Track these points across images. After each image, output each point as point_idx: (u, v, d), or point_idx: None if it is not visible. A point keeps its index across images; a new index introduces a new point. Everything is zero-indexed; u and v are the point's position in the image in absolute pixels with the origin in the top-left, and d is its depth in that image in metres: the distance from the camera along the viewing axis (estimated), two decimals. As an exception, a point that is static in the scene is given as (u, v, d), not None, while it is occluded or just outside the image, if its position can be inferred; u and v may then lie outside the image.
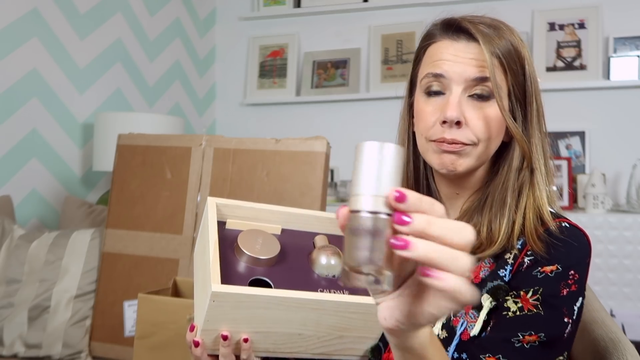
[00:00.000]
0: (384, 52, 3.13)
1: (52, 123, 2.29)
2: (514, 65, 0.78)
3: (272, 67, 3.32)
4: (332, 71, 3.22)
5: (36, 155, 2.22)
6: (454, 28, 0.79)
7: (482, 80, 0.76)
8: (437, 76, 0.78)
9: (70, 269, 1.77)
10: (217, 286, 0.72)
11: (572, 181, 2.70)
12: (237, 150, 1.72)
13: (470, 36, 0.78)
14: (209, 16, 3.40)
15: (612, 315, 2.34)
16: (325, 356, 0.82)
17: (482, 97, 0.77)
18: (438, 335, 0.77)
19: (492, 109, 0.77)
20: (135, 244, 1.78)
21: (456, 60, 0.77)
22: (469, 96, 0.77)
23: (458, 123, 0.76)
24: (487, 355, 0.72)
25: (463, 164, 0.78)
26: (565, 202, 2.65)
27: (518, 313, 0.73)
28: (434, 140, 0.79)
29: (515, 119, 0.79)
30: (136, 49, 2.78)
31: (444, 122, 0.77)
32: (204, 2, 3.35)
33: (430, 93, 0.80)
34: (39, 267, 1.76)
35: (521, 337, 0.72)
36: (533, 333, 0.72)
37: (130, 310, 1.71)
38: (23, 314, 1.70)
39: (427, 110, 0.80)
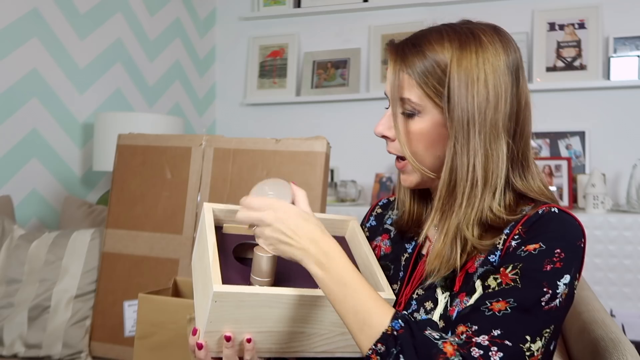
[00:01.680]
0: (384, 52, 3.13)
1: (52, 123, 2.29)
2: (433, 81, 0.78)
3: (272, 67, 3.32)
4: (332, 71, 3.22)
5: (36, 155, 2.22)
6: (387, 49, 0.86)
7: (402, 99, 0.81)
8: (385, 95, 0.86)
9: (70, 269, 1.77)
10: (219, 286, 0.72)
11: (572, 181, 2.70)
12: (237, 150, 1.72)
13: None
14: (209, 16, 3.40)
15: (612, 315, 2.34)
16: (329, 354, 0.82)
17: (405, 115, 0.82)
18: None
19: (416, 125, 0.81)
20: (135, 244, 1.78)
21: (389, 80, 0.83)
22: (401, 113, 0.82)
23: (386, 137, 0.85)
24: (459, 325, 0.72)
25: (413, 181, 0.86)
26: (566, 202, 2.65)
27: (497, 288, 0.73)
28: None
29: (450, 134, 0.79)
30: (136, 49, 2.78)
31: None
32: (204, 2, 3.35)
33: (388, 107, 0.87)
34: (39, 267, 1.76)
35: (489, 304, 0.71)
36: (501, 299, 0.71)
37: (130, 310, 1.71)
38: (23, 314, 1.70)
39: None
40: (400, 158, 0.85)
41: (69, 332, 1.72)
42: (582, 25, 2.82)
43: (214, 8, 3.45)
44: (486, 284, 0.75)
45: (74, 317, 1.73)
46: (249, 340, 0.76)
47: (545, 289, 0.71)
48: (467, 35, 0.79)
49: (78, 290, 1.76)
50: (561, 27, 2.86)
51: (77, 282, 1.77)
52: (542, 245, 0.74)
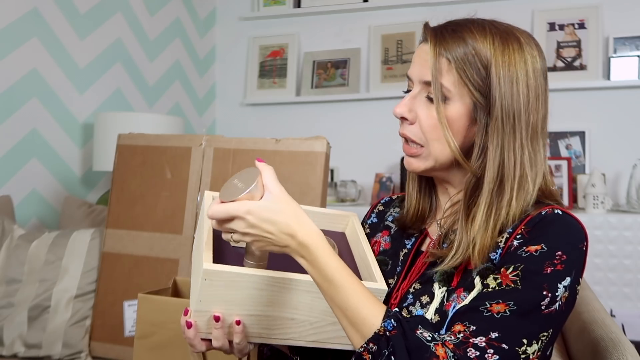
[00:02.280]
0: (384, 52, 3.13)
1: (52, 123, 2.29)
2: (471, 70, 0.77)
3: (272, 67, 3.32)
4: (332, 71, 3.22)
5: (36, 155, 2.22)
6: (424, 30, 0.83)
7: (433, 83, 0.79)
8: (408, 78, 0.84)
9: (70, 269, 1.77)
10: (209, 265, 0.73)
11: (572, 181, 2.70)
12: (237, 150, 1.72)
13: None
14: (209, 16, 3.40)
15: (612, 315, 2.34)
16: (319, 344, 0.82)
17: (430, 99, 0.80)
18: (431, 319, 0.78)
19: (446, 110, 0.79)
20: (135, 244, 1.78)
21: (417, 61, 0.82)
22: (426, 96, 0.81)
23: (405, 119, 0.83)
24: (456, 323, 0.72)
25: (421, 165, 0.84)
26: (566, 202, 2.65)
27: (497, 288, 0.73)
28: (400, 134, 0.86)
29: (480, 125, 0.79)
30: (136, 49, 2.78)
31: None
32: (204, 2, 3.35)
33: (406, 91, 0.86)
34: (39, 267, 1.76)
35: (488, 305, 0.71)
36: (501, 301, 0.71)
37: (130, 310, 1.71)
38: (23, 314, 1.70)
39: None
40: (412, 142, 0.83)
41: (68, 332, 1.72)
42: (582, 25, 2.82)
43: (214, 8, 3.45)
44: (485, 282, 0.75)
45: (74, 317, 1.74)
46: (238, 323, 0.76)
47: (545, 292, 0.71)
48: (508, 33, 0.80)
49: (78, 290, 1.76)
50: (561, 27, 2.86)
51: (77, 282, 1.76)
52: (543, 247, 0.74)
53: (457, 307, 0.76)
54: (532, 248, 0.74)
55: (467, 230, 0.78)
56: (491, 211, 0.78)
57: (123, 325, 1.72)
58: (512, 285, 0.72)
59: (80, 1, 2.42)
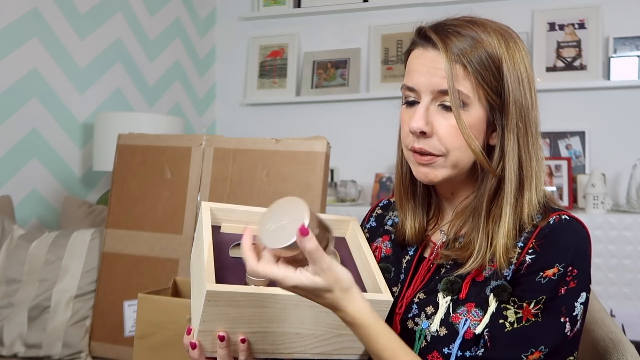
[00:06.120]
0: (384, 52, 3.13)
1: (52, 123, 2.29)
2: (487, 72, 0.76)
3: (272, 67, 3.32)
4: (332, 71, 3.22)
5: (36, 155, 2.22)
6: (423, 36, 0.80)
7: (444, 91, 0.76)
8: (410, 89, 0.80)
9: (70, 269, 1.77)
10: (212, 285, 0.72)
11: (572, 181, 2.70)
12: (237, 150, 1.72)
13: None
14: (209, 16, 3.40)
15: (612, 315, 2.34)
16: (325, 356, 0.82)
17: (449, 108, 0.77)
18: (437, 331, 0.77)
19: (465, 117, 0.77)
20: (135, 244, 1.78)
21: (423, 70, 0.78)
22: (439, 105, 0.78)
23: (424, 133, 0.78)
24: None
25: (438, 175, 0.80)
26: (566, 202, 2.65)
27: (516, 325, 0.74)
28: (410, 150, 0.81)
29: (495, 127, 0.79)
30: (136, 49, 2.78)
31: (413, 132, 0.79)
32: (204, 2, 3.35)
33: (407, 103, 0.81)
34: (39, 267, 1.76)
35: (525, 358, 0.72)
36: (534, 350, 0.72)
37: (130, 310, 1.71)
38: (23, 314, 1.70)
39: (404, 119, 0.82)
40: (428, 154, 0.79)
41: (69, 332, 1.72)
42: (582, 25, 2.82)
43: (214, 8, 3.45)
44: (504, 314, 0.75)
45: (74, 317, 1.73)
46: (243, 341, 0.76)
47: (562, 319, 0.73)
48: (502, 28, 0.80)
49: (78, 290, 1.76)
50: (561, 27, 2.86)
51: (77, 282, 1.76)
52: (559, 268, 0.74)
53: (468, 324, 0.76)
54: (549, 272, 0.74)
55: (488, 232, 0.77)
56: (514, 211, 0.78)
57: (123, 325, 1.72)
58: (533, 319, 0.73)
59: (80, 1, 2.42)
